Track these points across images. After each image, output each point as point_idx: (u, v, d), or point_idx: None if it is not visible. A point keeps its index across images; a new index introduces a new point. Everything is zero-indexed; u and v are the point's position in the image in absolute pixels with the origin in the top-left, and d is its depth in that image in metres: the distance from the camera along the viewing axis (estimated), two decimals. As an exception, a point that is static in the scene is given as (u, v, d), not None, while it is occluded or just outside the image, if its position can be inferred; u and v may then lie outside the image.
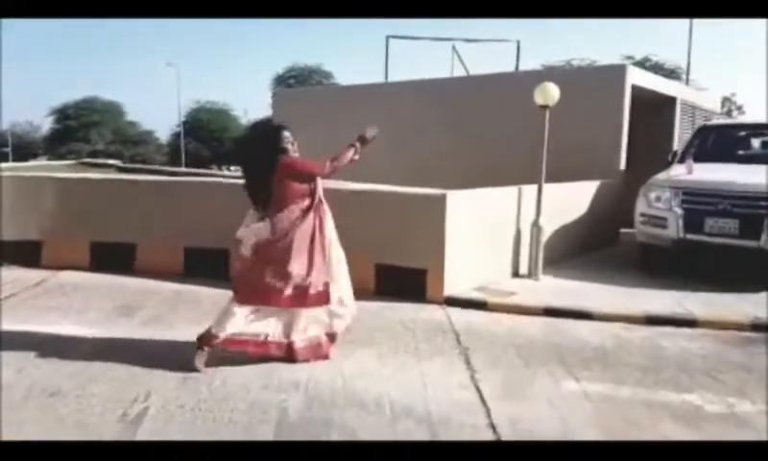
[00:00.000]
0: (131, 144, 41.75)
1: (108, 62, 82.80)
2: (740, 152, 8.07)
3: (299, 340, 4.21)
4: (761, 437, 3.32)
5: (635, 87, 9.19)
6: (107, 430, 3.22)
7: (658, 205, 7.11)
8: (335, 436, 3.22)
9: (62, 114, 42.43)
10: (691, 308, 5.65)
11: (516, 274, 6.85)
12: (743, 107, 36.89)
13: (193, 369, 4.01)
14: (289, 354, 4.19)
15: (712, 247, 6.70)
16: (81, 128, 41.22)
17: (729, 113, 31.38)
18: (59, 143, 41.10)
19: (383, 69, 14.60)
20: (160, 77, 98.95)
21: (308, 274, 4.10)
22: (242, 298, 4.14)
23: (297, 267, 4.07)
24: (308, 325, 4.25)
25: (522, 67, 16.16)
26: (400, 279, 5.94)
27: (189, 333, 4.75)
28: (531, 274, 6.79)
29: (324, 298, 4.19)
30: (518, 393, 3.84)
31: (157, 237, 6.89)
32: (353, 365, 4.20)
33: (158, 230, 6.88)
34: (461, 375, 4.10)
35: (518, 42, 14.42)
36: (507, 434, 3.27)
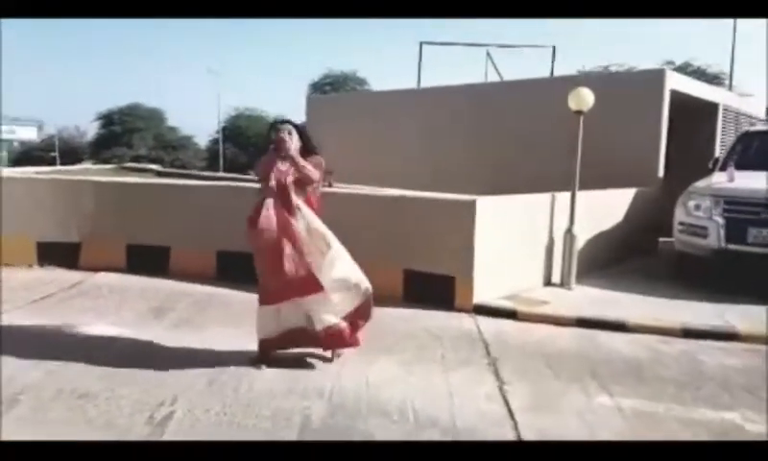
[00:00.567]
0: (171, 149, 42.66)
1: (150, 67, 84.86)
2: (786, 159, 7.71)
3: (320, 328, 4.17)
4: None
5: (674, 93, 8.91)
6: (134, 433, 3.23)
7: (698, 213, 6.85)
8: (357, 445, 3.16)
9: (108, 120, 43.63)
10: (732, 321, 5.40)
11: (548, 282, 6.68)
12: (790, 113, 35.54)
13: (256, 365, 4.17)
14: (318, 343, 4.24)
15: (755, 257, 6.41)
16: (125, 133, 42.31)
17: (774, 119, 30.24)
18: (104, 148, 42.23)
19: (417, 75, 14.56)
20: (201, 83, 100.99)
21: (288, 266, 4.07)
22: (260, 299, 4.26)
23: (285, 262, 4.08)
24: (321, 314, 4.17)
25: (558, 73, 15.86)
26: (428, 285, 5.85)
27: (218, 336, 4.80)
28: (564, 283, 6.61)
29: (312, 283, 4.08)
30: (548, 406, 3.71)
31: (191, 241, 6.96)
32: (378, 372, 4.13)
33: (192, 234, 6.95)
34: (489, 385, 3.99)
35: (554, 48, 14.18)
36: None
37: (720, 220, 6.62)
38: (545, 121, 9.24)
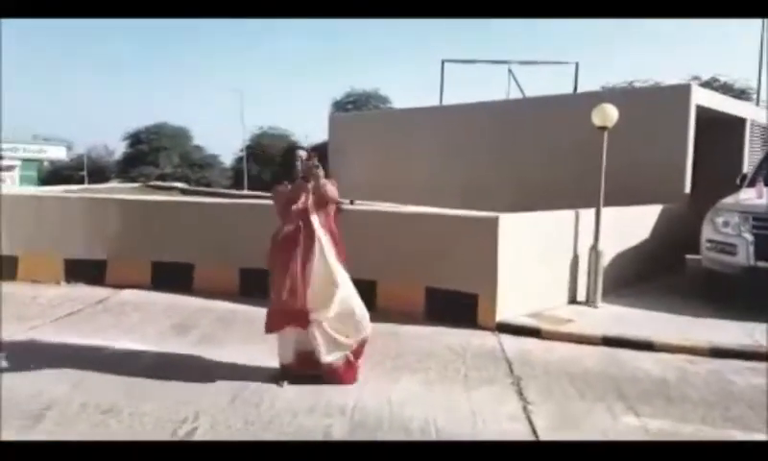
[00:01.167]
0: (197, 168, 43.27)
1: (176, 87, 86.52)
2: (817, 175, 7.55)
3: (322, 361, 4.20)
4: None
5: (700, 108, 8.80)
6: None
7: (726, 230, 6.72)
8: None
9: (135, 139, 44.48)
10: (761, 340, 5.27)
11: (573, 300, 6.59)
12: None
13: (278, 382, 4.20)
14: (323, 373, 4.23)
15: (787, 276, 6.25)
16: (151, 152, 43.04)
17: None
18: (131, 167, 43.01)
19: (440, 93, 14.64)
20: (226, 102, 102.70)
21: (282, 295, 4.16)
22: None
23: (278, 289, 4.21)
24: (321, 348, 4.18)
25: (582, 89, 15.80)
26: (451, 303, 5.82)
27: (240, 352, 4.83)
28: (589, 301, 6.52)
29: (301, 318, 4.14)
30: (573, 426, 3.65)
31: (215, 258, 7.04)
32: (401, 391, 4.11)
33: (216, 251, 7.03)
34: (512, 405, 3.94)
35: (577, 64, 14.14)
36: (559, 470, 3.10)
37: (749, 237, 6.48)
38: (569, 137, 9.20)
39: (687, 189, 8.72)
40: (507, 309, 5.73)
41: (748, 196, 6.95)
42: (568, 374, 4.54)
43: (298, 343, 4.23)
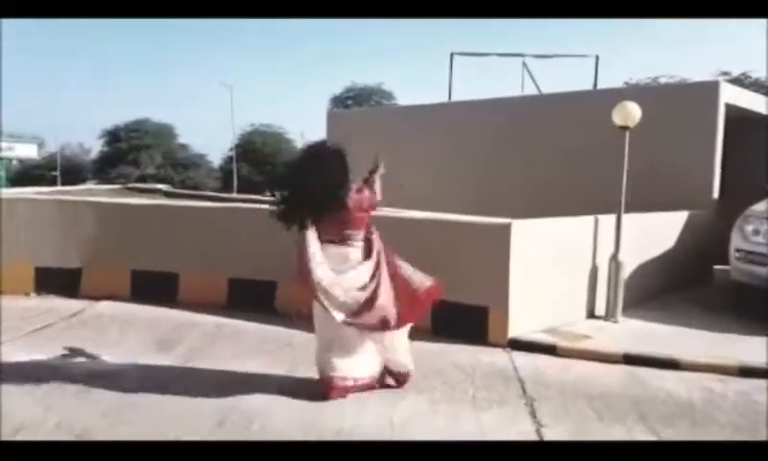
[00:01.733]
0: (181, 168, 43.39)
1: (159, 81, 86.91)
2: None
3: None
4: None
5: (729, 107, 8.84)
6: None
7: (756, 239, 6.76)
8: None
9: (113, 136, 44.55)
10: (798, 360, 5.29)
11: (591, 314, 6.62)
12: None
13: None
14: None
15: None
16: (131, 150, 43.10)
17: None
18: (109, 166, 43.08)
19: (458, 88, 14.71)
20: (214, 97, 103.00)
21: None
22: None
23: None
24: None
25: (603, 85, 15.87)
26: (459, 317, 5.83)
27: (228, 371, 4.85)
28: (609, 315, 6.55)
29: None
30: (590, 452, 3.67)
31: (201, 267, 7.07)
32: (403, 412, 4.13)
33: (202, 260, 7.06)
34: (524, 427, 3.96)
35: (597, 58, 14.17)
36: (575, 499, 3.14)
37: (782, 246, 6.51)
38: (589, 137, 9.24)
39: (716, 195, 8.76)
40: (519, 324, 5.75)
41: (781, 202, 6.98)
42: (586, 394, 4.56)
43: None
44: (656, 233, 7.70)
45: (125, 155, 42.85)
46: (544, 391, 4.61)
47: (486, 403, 4.34)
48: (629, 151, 6.60)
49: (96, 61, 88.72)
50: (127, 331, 5.98)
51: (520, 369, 5.09)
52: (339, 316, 4.18)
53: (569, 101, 10.39)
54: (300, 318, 4.94)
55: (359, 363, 4.37)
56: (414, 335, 5.71)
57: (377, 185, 4.72)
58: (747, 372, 5.06)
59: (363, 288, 4.29)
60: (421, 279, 4.52)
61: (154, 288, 7.10)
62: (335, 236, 4.40)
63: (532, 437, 3.82)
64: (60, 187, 14.39)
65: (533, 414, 4.17)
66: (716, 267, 8.74)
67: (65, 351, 5.28)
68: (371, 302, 4.24)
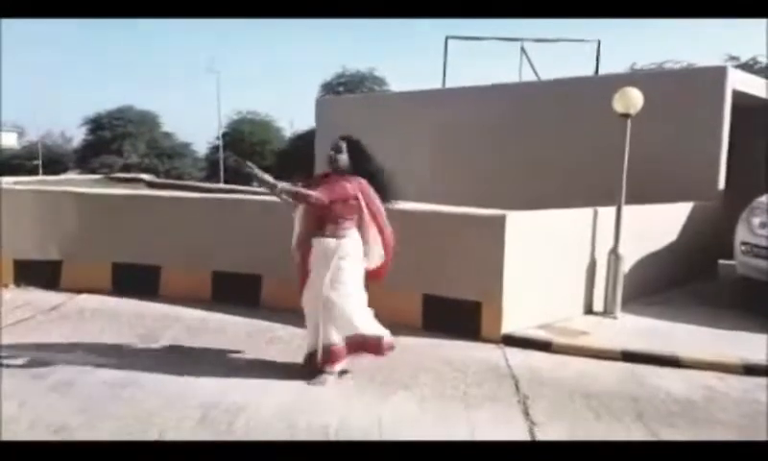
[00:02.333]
0: (166, 157, 43.19)
1: (142, 66, 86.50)
2: None
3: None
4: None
5: (737, 93, 8.86)
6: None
7: (763, 232, 6.79)
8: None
9: (96, 125, 44.35)
10: (803, 357, 5.33)
11: (589, 310, 6.65)
12: None
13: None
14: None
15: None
16: (114, 139, 42.89)
17: None
18: (91, 156, 42.88)
19: (453, 74, 14.67)
20: (199, 84, 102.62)
21: None
22: None
23: None
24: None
25: (606, 70, 15.91)
26: (451, 312, 5.87)
27: (211, 366, 4.88)
28: (607, 310, 6.58)
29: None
30: (585, 451, 3.70)
31: (184, 260, 7.07)
32: (391, 410, 4.16)
33: (185, 253, 7.07)
34: (517, 426, 3.99)
35: (599, 42, 14.17)
36: (567, 499, 3.18)
37: (789, 240, 6.55)
38: (589, 126, 9.26)
39: (722, 185, 8.79)
40: (514, 320, 5.78)
41: (788, 194, 7.02)
42: (582, 392, 4.59)
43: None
44: (658, 226, 7.73)
45: (108, 143, 42.63)
46: (539, 389, 4.64)
47: (477, 401, 4.37)
48: (631, 140, 6.62)
49: (59, 42, 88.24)
50: (107, 325, 5.98)
51: (514, 366, 5.12)
52: None
53: (570, 87, 10.40)
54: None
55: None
56: (403, 330, 5.78)
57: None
58: (751, 370, 5.10)
59: None
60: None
61: (135, 281, 7.11)
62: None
63: (524, 436, 3.85)
64: (39, 177, 14.36)
65: (526, 412, 4.20)
66: (721, 261, 8.79)
67: (44, 346, 5.28)
68: None
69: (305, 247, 4.68)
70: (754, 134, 9.76)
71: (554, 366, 5.18)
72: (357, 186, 4.64)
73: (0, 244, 7.22)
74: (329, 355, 4.59)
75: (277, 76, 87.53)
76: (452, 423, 4.00)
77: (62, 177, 14.20)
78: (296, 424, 3.87)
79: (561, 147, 9.98)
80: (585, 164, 9.34)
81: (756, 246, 6.84)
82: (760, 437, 3.92)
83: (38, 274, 7.28)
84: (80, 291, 7.09)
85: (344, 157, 4.73)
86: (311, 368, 4.65)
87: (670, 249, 7.84)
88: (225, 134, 41.71)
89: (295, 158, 29.09)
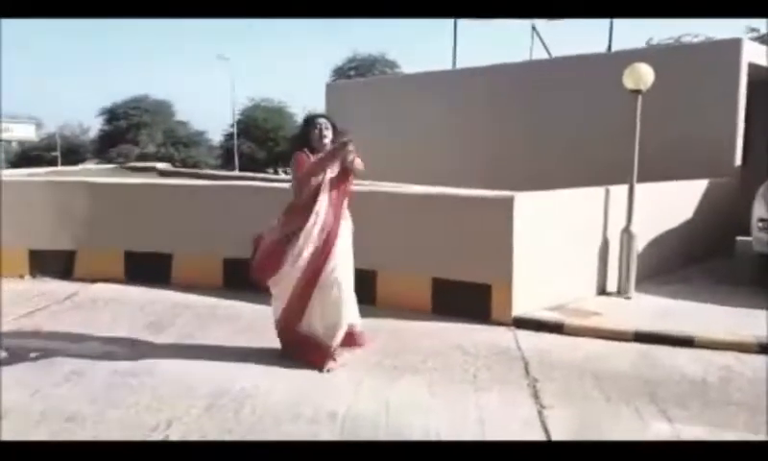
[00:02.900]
0: (182, 146, 43.48)
1: (158, 60, 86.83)
2: None
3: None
4: None
5: (753, 67, 8.66)
6: (120, 462, 3.30)
7: (780, 208, 6.65)
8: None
9: (112, 114, 44.66)
10: (821, 335, 5.22)
11: (602, 291, 6.57)
12: None
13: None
14: None
15: None
16: (130, 129, 43.23)
17: None
18: (108, 146, 43.27)
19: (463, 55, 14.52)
20: (213, 72, 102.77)
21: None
22: None
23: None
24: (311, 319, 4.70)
25: (621, 46, 15.60)
26: (461, 295, 5.81)
27: (220, 353, 4.88)
28: (621, 291, 6.50)
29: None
30: (596, 434, 3.64)
31: (195, 247, 7.07)
32: (399, 394, 4.13)
33: (197, 240, 7.06)
34: (526, 409, 3.94)
35: (611, 20, 13.91)
36: (576, 483, 3.14)
37: (807, 215, 6.41)
38: (603, 103, 9.12)
39: (738, 161, 8.62)
40: (525, 302, 5.71)
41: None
42: (593, 374, 4.53)
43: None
44: (673, 204, 7.61)
45: (124, 133, 42.99)
46: (549, 371, 4.58)
47: (487, 384, 4.32)
48: (644, 116, 6.50)
49: (74, 34, 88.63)
50: (120, 313, 6.01)
51: (525, 348, 5.06)
52: None
53: (582, 65, 10.24)
54: None
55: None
56: (413, 315, 5.75)
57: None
58: (767, 349, 5.00)
59: None
60: None
61: (147, 269, 7.14)
62: None
63: (534, 419, 3.80)
64: (53, 168, 14.48)
65: (535, 395, 4.15)
66: (738, 238, 8.64)
67: (57, 335, 5.32)
68: None
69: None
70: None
71: (565, 348, 5.12)
72: None
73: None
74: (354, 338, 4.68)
75: (291, 62, 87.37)
76: (461, 407, 3.96)
77: (76, 167, 14.28)
78: (302, 412, 3.85)
79: (574, 125, 9.85)
80: (598, 143, 9.21)
81: (773, 222, 6.71)
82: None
83: (53, 263, 7.34)
84: (93, 280, 7.13)
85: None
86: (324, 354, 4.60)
87: (686, 227, 7.72)
88: (238, 122, 41.78)
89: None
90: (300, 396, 4.09)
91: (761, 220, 6.90)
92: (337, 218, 4.54)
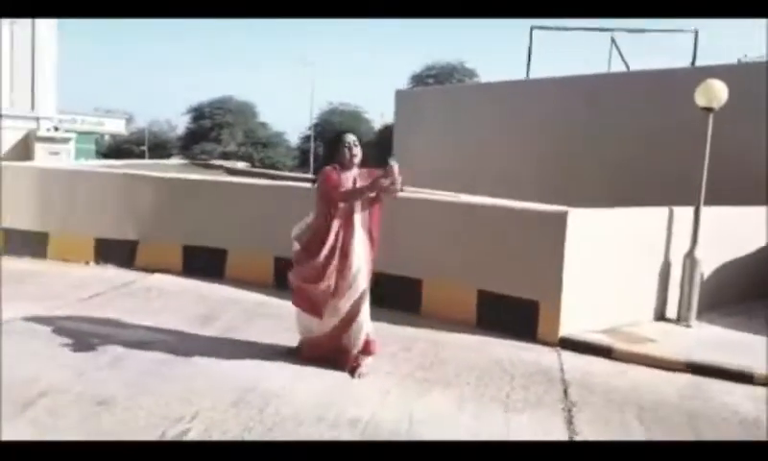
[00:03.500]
0: (261, 146, 44.59)
1: (242, 60, 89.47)
2: None
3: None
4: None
5: None
6: (140, 448, 3.35)
7: None
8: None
9: (198, 113, 46.34)
10: None
11: (661, 316, 6.25)
12: None
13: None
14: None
15: None
16: (214, 128, 44.71)
17: None
18: (192, 143, 44.89)
19: (540, 65, 14.19)
20: (295, 76, 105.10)
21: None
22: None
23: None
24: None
25: (710, 61, 14.90)
26: (507, 310, 5.65)
27: (258, 350, 4.92)
28: (681, 318, 6.15)
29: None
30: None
31: (249, 244, 7.17)
32: (426, 407, 4.03)
33: (251, 237, 7.16)
34: (555, 435, 3.76)
35: (696, 32, 13.27)
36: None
37: None
38: (680, 119, 8.71)
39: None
40: (574, 322, 5.49)
41: None
42: (636, 403, 4.29)
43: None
44: (743, 229, 7.15)
45: (208, 132, 44.46)
46: (589, 396, 4.37)
47: (520, 405, 4.16)
48: (719, 136, 6.17)
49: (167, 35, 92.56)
50: (171, 304, 6.16)
51: (568, 370, 4.85)
52: None
53: (660, 79, 9.82)
54: None
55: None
56: (456, 327, 5.63)
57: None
58: (833, 391, 4.61)
59: None
60: None
61: (203, 263, 7.30)
62: None
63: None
64: (128, 161, 15.08)
65: (569, 421, 3.96)
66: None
67: (108, 321, 5.50)
68: None
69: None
70: None
71: (611, 374, 4.88)
72: None
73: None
74: (370, 345, 4.62)
75: (373, 67, 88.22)
76: (486, 426, 3.82)
77: (151, 161, 14.83)
78: (325, 415, 3.81)
79: (650, 142, 9.46)
80: (676, 161, 8.78)
81: None
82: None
83: (116, 252, 7.61)
84: (152, 271, 7.35)
85: None
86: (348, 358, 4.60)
87: (756, 255, 7.25)
88: (315, 125, 42.46)
89: (380, 149, 29.18)
90: (326, 399, 4.06)
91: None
92: (357, 233, 4.53)
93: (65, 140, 22.77)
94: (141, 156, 44.08)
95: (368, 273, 4.56)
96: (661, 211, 6.22)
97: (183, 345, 4.98)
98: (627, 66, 12.99)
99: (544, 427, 3.85)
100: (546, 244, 5.48)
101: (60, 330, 5.15)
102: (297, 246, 4.76)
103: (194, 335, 5.28)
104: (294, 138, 47.56)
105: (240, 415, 3.79)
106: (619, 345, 5.32)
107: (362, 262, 4.50)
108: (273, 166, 37.16)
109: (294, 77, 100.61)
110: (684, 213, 6.22)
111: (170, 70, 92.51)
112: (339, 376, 4.44)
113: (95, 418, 3.67)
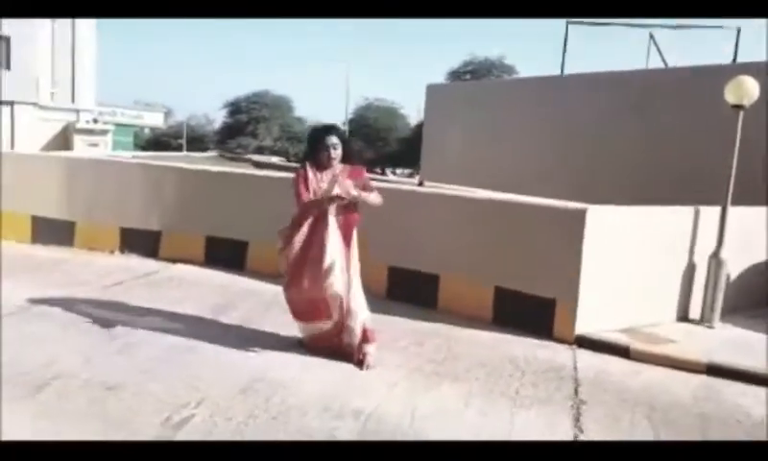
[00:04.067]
0: (296, 141, 44.87)
1: (282, 56, 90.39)
2: None
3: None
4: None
5: None
6: (144, 433, 3.43)
7: None
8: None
9: (235, 108, 46.87)
10: None
11: (683, 317, 6.13)
12: None
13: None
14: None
15: None
16: (250, 122, 45.15)
17: None
18: (229, 137, 45.44)
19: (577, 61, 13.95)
20: (331, 71, 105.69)
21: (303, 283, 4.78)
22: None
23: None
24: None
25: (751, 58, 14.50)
26: (523, 307, 5.61)
27: (270, 340, 4.99)
28: (704, 319, 6.03)
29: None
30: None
31: (270, 237, 7.22)
32: (432, 400, 4.04)
33: (271, 230, 7.20)
34: (560, 433, 3.73)
35: (738, 29, 12.90)
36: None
37: None
38: (716, 117, 8.51)
39: None
40: (591, 320, 5.42)
41: None
42: (647, 404, 4.22)
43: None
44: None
45: (244, 126, 44.90)
46: (600, 395, 4.32)
47: (527, 401, 4.13)
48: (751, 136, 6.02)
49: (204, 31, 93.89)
50: (190, 294, 6.27)
51: (581, 369, 4.80)
52: None
53: (697, 76, 9.60)
54: None
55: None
56: (471, 322, 5.62)
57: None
58: None
59: None
60: None
61: (225, 255, 7.40)
62: None
63: (567, 443, 3.60)
64: (156, 153, 15.35)
65: (576, 418, 3.92)
66: None
67: (126, 308, 5.63)
68: None
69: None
70: None
71: (625, 373, 4.81)
72: None
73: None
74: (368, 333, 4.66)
75: (411, 62, 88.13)
76: (491, 422, 3.81)
77: (179, 153, 15.08)
78: (330, 406, 3.85)
79: (681, 139, 9.27)
80: (712, 160, 8.59)
81: None
82: None
83: (141, 242, 7.78)
84: (175, 261, 7.49)
85: None
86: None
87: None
88: (351, 120, 42.53)
89: (414, 145, 29.14)
90: (332, 391, 4.09)
91: None
92: (332, 227, 4.60)
93: (104, 132, 23.21)
94: (179, 148, 44.68)
95: (349, 268, 4.58)
96: (687, 211, 6.09)
97: (197, 333, 5.07)
98: (665, 62, 12.72)
99: (550, 423, 3.83)
100: (564, 242, 5.42)
101: (78, 317, 5.29)
102: (280, 243, 4.99)
103: (209, 324, 5.37)
104: (329, 133, 47.75)
105: (246, 403, 3.85)
106: (637, 344, 5.24)
107: (337, 255, 4.52)
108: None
109: (329, 73, 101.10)
110: (710, 213, 6.08)
111: (210, 68, 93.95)
112: (347, 368, 4.47)
113: (102, 403, 3.76)
